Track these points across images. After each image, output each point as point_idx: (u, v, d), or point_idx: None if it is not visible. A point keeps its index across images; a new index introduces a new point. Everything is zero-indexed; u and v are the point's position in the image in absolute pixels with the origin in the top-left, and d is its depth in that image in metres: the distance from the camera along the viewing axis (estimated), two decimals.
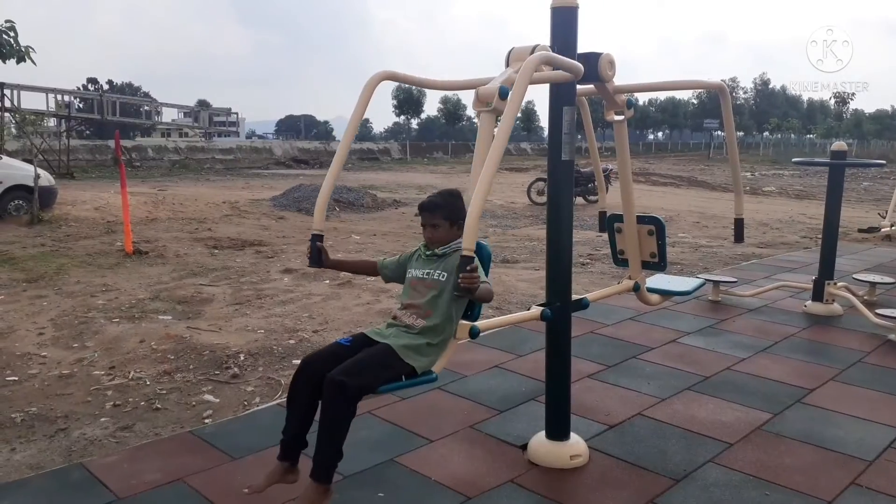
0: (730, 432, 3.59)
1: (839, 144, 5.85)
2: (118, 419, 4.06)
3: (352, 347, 2.65)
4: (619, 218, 3.68)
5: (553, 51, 2.82)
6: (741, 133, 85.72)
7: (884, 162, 7.63)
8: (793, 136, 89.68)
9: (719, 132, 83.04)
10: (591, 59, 3.03)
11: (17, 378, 4.74)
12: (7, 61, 13.41)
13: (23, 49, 13.64)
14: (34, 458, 3.55)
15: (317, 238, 2.82)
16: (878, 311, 5.43)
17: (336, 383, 2.41)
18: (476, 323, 2.80)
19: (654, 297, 3.84)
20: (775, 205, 18.90)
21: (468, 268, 2.26)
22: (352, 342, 2.70)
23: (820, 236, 11.59)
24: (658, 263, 3.64)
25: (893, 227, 10.45)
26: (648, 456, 3.33)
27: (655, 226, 3.59)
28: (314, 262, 2.83)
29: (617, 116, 3.36)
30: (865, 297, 6.26)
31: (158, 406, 4.27)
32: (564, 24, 2.94)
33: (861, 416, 3.81)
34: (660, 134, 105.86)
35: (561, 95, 3.03)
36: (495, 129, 2.71)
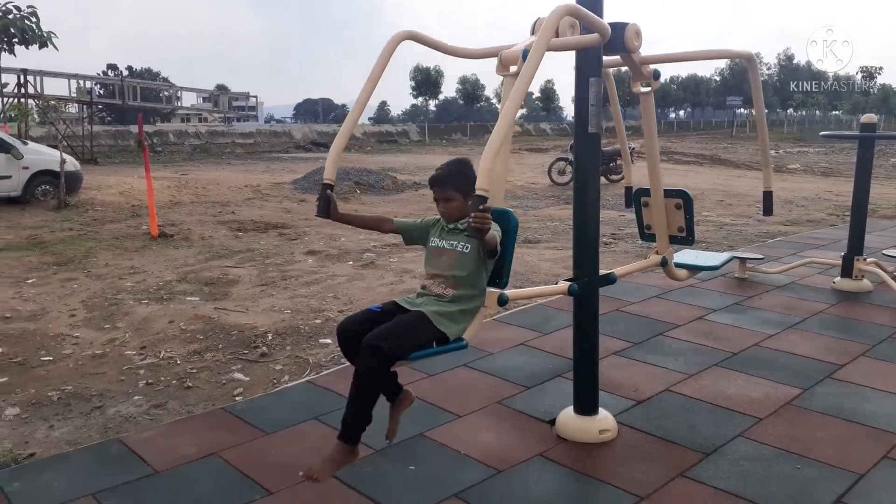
0: (759, 407, 3.58)
1: (869, 117, 5.74)
2: (151, 397, 4.14)
3: (382, 313, 2.67)
4: (645, 192, 3.65)
5: (578, 23, 2.79)
6: (766, 110, 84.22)
7: None
8: (818, 112, 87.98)
9: (742, 110, 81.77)
10: (618, 29, 2.99)
11: (51, 358, 4.84)
12: (30, 46, 13.57)
13: (45, 34, 13.79)
14: (72, 435, 3.63)
15: (327, 187, 2.74)
16: None
17: (371, 347, 2.43)
18: (504, 291, 2.79)
19: (682, 273, 3.82)
20: (801, 182, 18.62)
21: (481, 207, 2.19)
22: (381, 309, 2.72)
23: (847, 213, 11.44)
24: (686, 238, 3.61)
25: None
26: (677, 430, 3.33)
27: (683, 199, 3.55)
28: (322, 212, 2.75)
29: (643, 88, 3.33)
30: (894, 274, 6.17)
31: (190, 384, 4.34)
32: None
33: (893, 391, 3.77)
34: (682, 112, 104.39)
35: (587, 66, 3.00)
36: None
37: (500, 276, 2.73)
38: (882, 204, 12.65)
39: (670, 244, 3.66)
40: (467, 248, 2.71)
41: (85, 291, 6.60)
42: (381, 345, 2.44)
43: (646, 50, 3.24)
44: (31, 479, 2.99)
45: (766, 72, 79.33)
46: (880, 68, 72.45)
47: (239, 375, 4.50)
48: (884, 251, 6.61)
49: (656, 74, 3.31)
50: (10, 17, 12.54)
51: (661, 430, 3.33)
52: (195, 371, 4.58)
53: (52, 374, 4.55)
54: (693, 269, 3.89)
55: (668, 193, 3.59)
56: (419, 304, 2.69)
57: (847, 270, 5.87)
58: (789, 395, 3.73)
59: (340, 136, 2.82)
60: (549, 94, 69.47)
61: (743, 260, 6.29)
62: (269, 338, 5.19)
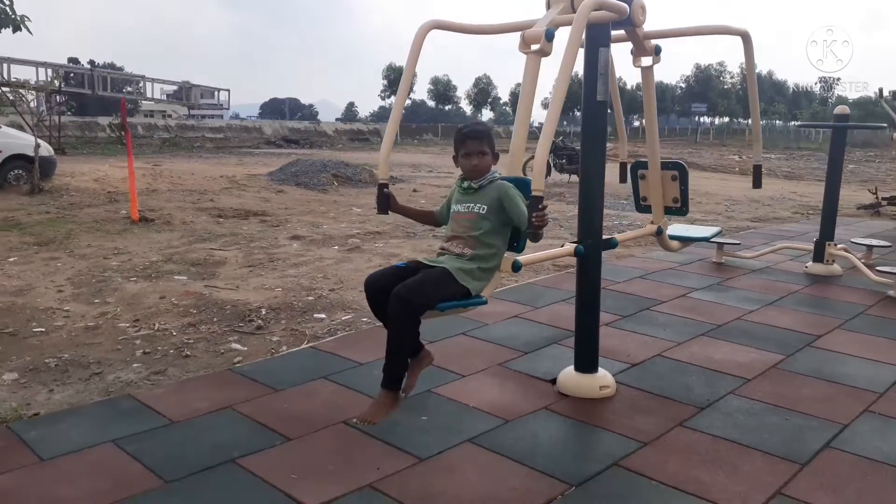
0: (746, 370, 3.78)
1: (842, 108, 6.03)
2: (150, 365, 4.17)
3: (407, 270, 2.80)
4: (643, 164, 3.83)
5: None
6: (727, 118, 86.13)
7: (885, 125, 7.83)
8: (778, 121, 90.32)
9: (705, 118, 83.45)
10: (626, 3, 3.15)
11: (43, 329, 4.83)
12: (3, 30, 13.28)
13: (18, 18, 13.51)
14: (73, 398, 3.65)
15: (383, 186, 3.02)
16: (878, 268, 5.64)
17: (401, 298, 2.56)
18: (518, 257, 2.94)
19: (675, 244, 4.00)
20: (766, 184, 19.07)
21: (540, 206, 2.42)
22: (406, 266, 2.85)
23: (811, 212, 11.87)
24: (680, 209, 3.79)
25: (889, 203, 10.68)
26: (672, 388, 3.51)
27: (678, 171, 3.74)
28: (382, 209, 3.04)
29: (645, 62, 3.49)
30: (863, 260, 6.47)
31: (188, 353, 4.38)
32: None
33: (868, 358, 4.01)
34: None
35: (596, 38, 3.16)
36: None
37: (517, 241, 2.90)
38: (844, 204, 13.13)
39: (665, 214, 3.84)
40: (483, 208, 2.86)
41: (70, 269, 6.55)
42: (410, 297, 2.58)
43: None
44: (48, 429, 3.03)
45: (730, 80, 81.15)
46: (838, 79, 74.79)
47: (236, 346, 4.55)
48: (852, 239, 6.94)
49: (657, 49, 3.48)
50: None
51: (656, 389, 3.50)
52: (192, 341, 4.61)
53: (45, 344, 4.54)
54: (685, 240, 4.08)
55: (665, 165, 3.77)
56: (442, 262, 2.83)
57: (819, 255, 6.15)
58: (773, 360, 3.94)
59: (387, 137, 3.08)
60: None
61: (720, 245, 6.54)
62: (263, 312, 5.23)
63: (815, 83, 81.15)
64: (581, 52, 3.26)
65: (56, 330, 4.81)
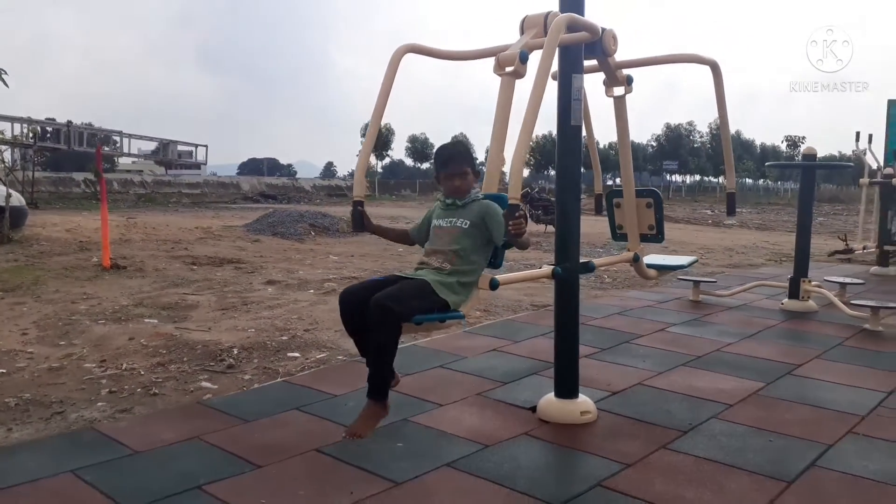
0: (728, 396, 3.73)
1: (809, 148, 6.18)
2: (115, 403, 4.01)
3: (384, 282, 2.75)
4: (617, 193, 3.85)
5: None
6: (698, 176, 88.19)
7: (851, 164, 8.04)
8: (748, 180, 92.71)
9: (676, 176, 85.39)
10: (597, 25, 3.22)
11: (4, 370, 4.64)
12: None
13: None
14: (32, 437, 3.47)
15: (358, 204, 2.99)
16: (853, 302, 5.69)
17: (381, 306, 2.51)
18: (496, 275, 2.91)
19: (652, 272, 4.00)
20: (738, 234, 19.47)
21: (516, 214, 2.42)
22: (384, 279, 2.80)
23: (784, 259, 12.04)
24: (656, 236, 3.80)
25: (865, 250, 10.86)
26: (654, 414, 3.44)
27: (653, 198, 3.76)
28: (357, 226, 3.00)
29: (617, 91, 3.55)
30: (837, 297, 6.53)
31: (156, 392, 4.22)
32: None
33: (848, 384, 3.99)
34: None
35: (570, 64, 3.21)
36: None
37: (495, 257, 2.88)
38: (816, 252, 13.35)
39: (641, 241, 3.84)
40: (466, 223, 2.85)
41: (36, 314, 6.36)
42: (390, 303, 2.52)
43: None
44: (4, 461, 2.88)
45: (700, 139, 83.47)
46: (803, 137, 77.33)
47: (206, 384, 4.40)
48: (826, 277, 7.02)
49: (629, 80, 3.55)
50: None
51: (638, 414, 3.43)
52: (160, 380, 4.46)
53: (6, 385, 4.36)
54: (662, 268, 4.09)
55: (640, 193, 3.79)
56: (421, 275, 2.78)
57: (794, 292, 6.20)
58: (755, 387, 3.90)
59: (362, 156, 3.08)
60: None
61: (697, 283, 6.57)
62: (235, 352, 5.10)
63: (782, 141, 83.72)
64: (555, 85, 3.32)
65: (18, 371, 4.63)
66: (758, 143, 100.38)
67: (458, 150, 3.01)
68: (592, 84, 3.60)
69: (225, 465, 2.80)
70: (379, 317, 2.54)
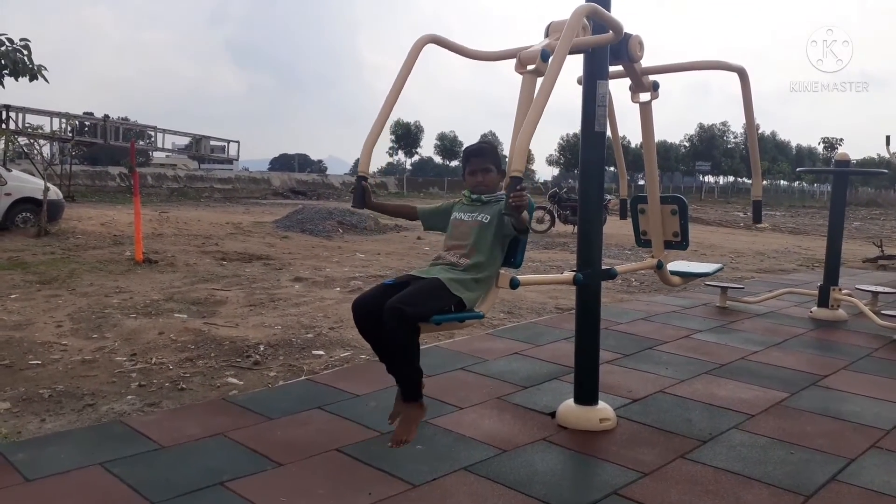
0: (750, 406, 3.70)
1: (842, 154, 6.08)
2: (144, 397, 4.11)
3: (396, 286, 2.77)
4: (642, 199, 3.84)
5: (589, 23, 3.01)
6: (731, 177, 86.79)
7: (885, 171, 7.88)
8: (783, 181, 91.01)
9: (710, 177, 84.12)
10: (623, 39, 3.22)
11: (40, 362, 4.79)
12: (20, 79, 13.63)
13: (35, 67, 13.89)
14: (65, 428, 3.59)
15: (361, 179, 2.96)
16: (884, 311, 5.58)
17: (394, 310, 2.53)
18: (516, 276, 2.92)
19: (676, 279, 3.98)
20: (771, 238, 19.17)
21: (518, 187, 2.37)
22: (395, 282, 2.82)
23: (816, 264, 11.83)
24: (680, 243, 3.78)
25: None
26: (674, 423, 3.43)
27: (678, 205, 3.74)
28: (357, 202, 2.95)
29: (643, 97, 3.54)
30: (868, 307, 6.41)
31: (183, 387, 4.32)
32: None
33: (874, 396, 3.93)
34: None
35: (595, 70, 3.21)
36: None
37: (514, 255, 2.88)
38: (849, 258, 13.10)
39: (665, 248, 3.82)
40: (486, 218, 2.86)
41: (70, 306, 6.54)
42: (403, 307, 2.54)
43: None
44: (36, 452, 2.97)
45: (734, 140, 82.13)
46: (840, 139, 75.67)
47: (233, 380, 4.49)
48: (857, 286, 6.89)
49: (655, 85, 3.53)
50: (3, 48, 12.63)
51: (658, 423, 3.43)
52: (188, 375, 4.56)
53: (41, 376, 4.50)
54: (686, 275, 4.06)
55: (665, 200, 3.78)
56: (433, 273, 2.80)
57: (823, 300, 6.10)
58: (777, 397, 3.86)
59: (372, 131, 3.02)
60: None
61: (724, 289, 6.50)
62: (262, 349, 5.19)
63: (818, 143, 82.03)
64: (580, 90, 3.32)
65: (52, 363, 4.77)
66: (794, 144, 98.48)
67: (482, 148, 3.03)
68: (618, 88, 3.60)
69: (247, 462, 2.86)
70: (394, 322, 2.56)
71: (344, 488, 2.64)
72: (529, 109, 2.45)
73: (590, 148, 3.27)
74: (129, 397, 4.10)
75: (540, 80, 2.55)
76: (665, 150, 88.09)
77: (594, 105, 3.21)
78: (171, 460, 2.88)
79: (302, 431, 3.24)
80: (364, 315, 2.75)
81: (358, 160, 3.04)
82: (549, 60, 2.53)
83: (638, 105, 3.64)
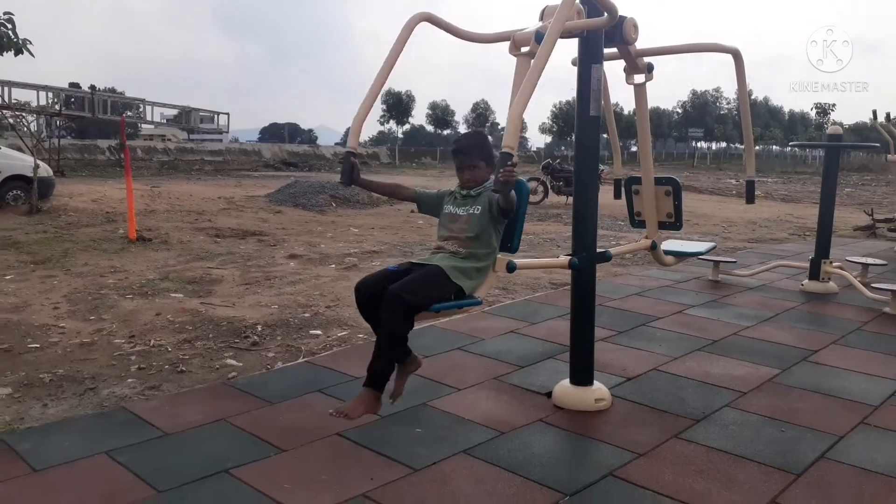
0: (742, 384, 3.78)
1: (834, 128, 6.10)
2: (145, 380, 4.15)
3: (400, 272, 2.81)
4: (636, 180, 3.86)
5: (584, 8, 3.00)
6: (724, 143, 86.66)
7: (878, 145, 7.91)
8: (774, 147, 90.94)
9: (702, 143, 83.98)
10: (617, 22, 3.21)
11: (39, 345, 4.81)
12: (5, 53, 13.40)
13: (20, 42, 13.65)
14: (67, 413, 3.63)
15: (350, 154, 2.92)
16: (873, 285, 5.66)
17: (395, 296, 2.57)
18: (513, 259, 2.96)
19: (669, 259, 4.02)
20: (763, 206, 19.24)
21: (508, 163, 2.36)
22: (399, 268, 2.86)
23: (808, 233, 11.91)
24: (674, 223, 3.82)
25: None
26: (668, 402, 3.50)
27: (672, 186, 3.77)
28: (346, 178, 2.92)
29: (637, 80, 3.54)
30: (859, 278, 6.49)
31: (183, 369, 4.36)
32: None
33: (864, 372, 4.01)
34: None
35: (590, 54, 3.20)
36: None
37: (511, 240, 2.91)
38: (840, 226, 13.19)
39: (660, 229, 3.86)
40: (478, 209, 2.88)
41: (66, 287, 6.54)
42: (404, 295, 2.58)
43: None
44: (41, 441, 3.02)
45: (727, 106, 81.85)
46: (833, 105, 75.49)
47: (231, 361, 4.54)
48: (847, 257, 6.96)
49: (650, 67, 3.53)
50: None
51: (652, 402, 3.50)
52: (187, 357, 4.60)
53: (40, 360, 4.53)
54: (680, 255, 4.10)
55: (658, 181, 3.80)
56: (435, 260, 2.83)
57: (815, 273, 6.17)
58: (769, 374, 3.94)
59: (362, 107, 2.97)
60: None
61: (716, 263, 6.57)
62: (259, 329, 5.23)
63: (811, 108, 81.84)
64: (575, 70, 3.32)
65: (51, 346, 4.80)
66: (786, 109, 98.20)
67: (469, 143, 3.02)
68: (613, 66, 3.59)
69: (250, 449, 2.92)
70: (391, 308, 2.60)
71: (346, 474, 2.70)
72: (521, 87, 2.45)
73: (585, 132, 3.28)
74: (130, 380, 4.14)
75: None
76: (658, 116, 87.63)
77: (589, 88, 3.21)
78: (175, 447, 2.93)
79: (303, 416, 3.29)
80: (366, 297, 2.79)
81: (349, 129, 3.00)
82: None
83: (633, 87, 3.63)
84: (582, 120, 3.26)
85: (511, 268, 2.86)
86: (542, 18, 3.03)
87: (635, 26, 3.29)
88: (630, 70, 3.53)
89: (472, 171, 2.97)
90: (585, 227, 3.35)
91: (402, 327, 2.66)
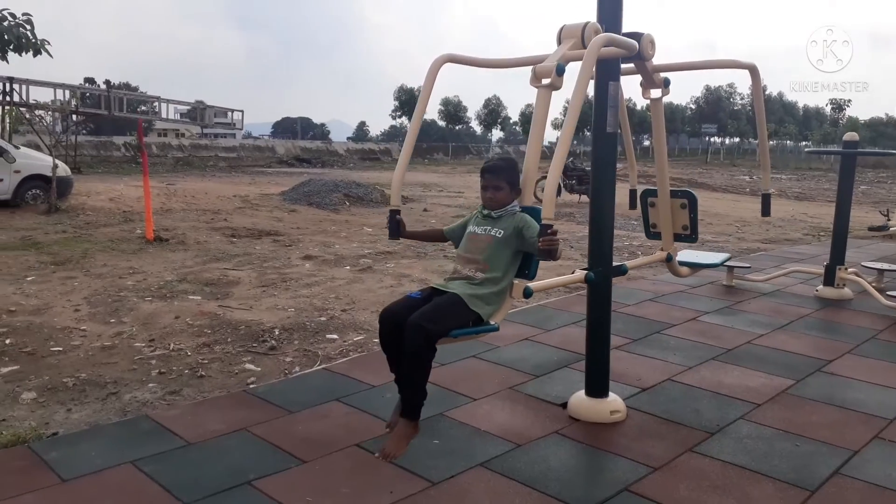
0: (756, 395, 3.80)
1: (851, 135, 6.08)
2: (165, 385, 4.23)
3: (421, 299, 2.86)
4: (652, 192, 3.88)
5: (602, 28, 3.03)
6: (737, 139, 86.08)
7: (895, 152, 7.86)
8: (789, 142, 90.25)
9: (716, 138, 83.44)
10: (635, 39, 3.23)
11: (61, 348, 4.91)
12: (24, 54, 13.57)
13: (39, 42, 13.81)
14: (91, 417, 3.72)
15: (395, 213, 3.15)
16: (889, 293, 5.65)
17: (416, 326, 2.63)
18: (529, 284, 3.00)
19: (684, 270, 4.05)
20: (776, 205, 19.01)
21: (549, 231, 2.53)
22: (421, 295, 2.91)
23: (822, 234, 11.86)
24: (690, 236, 3.84)
25: None
26: (682, 413, 3.54)
27: (688, 199, 3.79)
28: (393, 235, 3.17)
29: (654, 94, 3.56)
30: (874, 284, 6.48)
31: (202, 374, 4.44)
32: (612, 2, 3.15)
33: (878, 383, 4.02)
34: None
35: (607, 72, 3.23)
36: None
37: (528, 268, 2.95)
38: (856, 226, 13.10)
39: (675, 241, 3.89)
40: (500, 233, 2.92)
41: (86, 289, 6.65)
42: (425, 324, 2.65)
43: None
44: (68, 450, 3.09)
45: (740, 101, 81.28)
46: (849, 101, 74.82)
47: (250, 366, 4.61)
48: (863, 263, 6.94)
49: (666, 82, 3.55)
50: (5, 24, 12.54)
51: (667, 413, 3.53)
52: (206, 362, 4.67)
53: (63, 363, 4.62)
54: (695, 266, 4.13)
55: (674, 194, 3.82)
56: (453, 288, 2.89)
57: (829, 279, 6.17)
58: (783, 385, 3.96)
59: (400, 165, 3.18)
60: (529, 117, 70.34)
61: (731, 268, 6.57)
62: (277, 333, 5.30)
63: (826, 104, 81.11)
64: (591, 84, 3.35)
65: (73, 349, 4.89)
66: (801, 104, 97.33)
67: (497, 165, 3.07)
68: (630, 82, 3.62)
69: (272, 460, 2.98)
70: (413, 337, 2.66)
71: (366, 487, 2.76)
72: (556, 149, 2.55)
73: (602, 148, 3.31)
74: (151, 385, 4.22)
75: (555, 94, 2.61)
76: (671, 111, 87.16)
77: (606, 105, 3.24)
78: (198, 458, 3.00)
79: (322, 426, 3.35)
80: (390, 329, 2.83)
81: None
82: (557, 90, 2.61)
83: (649, 101, 3.66)
84: (598, 135, 3.29)
85: (528, 293, 2.92)
86: (559, 40, 3.06)
87: (652, 42, 3.30)
88: (646, 85, 3.55)
89: (494, 192, 3.01)
90: (602, 241, 3.38)
91: (424, 354, 2.72)
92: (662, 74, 3.52)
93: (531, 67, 2.94)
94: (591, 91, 3.30)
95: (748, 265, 7.05)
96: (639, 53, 3.28)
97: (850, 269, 6.18)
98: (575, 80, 2.66)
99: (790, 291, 6.46)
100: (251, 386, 4.11)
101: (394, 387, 2.94)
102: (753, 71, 3.49)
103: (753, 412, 3.56)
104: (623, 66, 3.41)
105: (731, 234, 12.20)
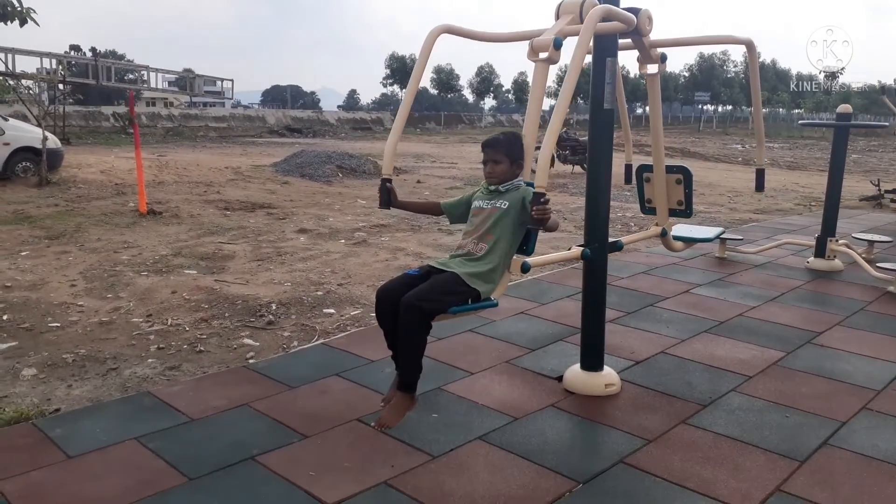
0: (748, 367, 3.88)
1: (844, 107, 6.10)
2: (165, 360, 4.27)
3: (420, 276, 2.88)
4: (648, 168, 3.91)
5: (600, 1, 3.02)
6: (730, 107, 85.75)
7: (887, 124, 7.91)
8: (781, 110, 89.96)
9: (709, 106, 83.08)
10: (633, 14, 3.22)
11: (59, 324, 4.93)
12: (10, 23, 13.31)
13: (24, 10, 13.54)
14: (92, 393, 3.76)
15: (386, 181, 3.12)
16: (878, 264, 5.73)
17: (411, 305, 2.66)
18: (527, 259, 3.02)
19: (679, 244, 4.09)
20: (769, 175, 18.99)
21: (541, 200, 2.52)
22: (420, 272, 2.93)
23: (813, 204, 11.93)
24: (685, 211, 3.88)
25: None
26: (675, 386, 3.61)
27: (683, 175, 3.82)
28: (384, 204, 3.14)
29: (651, 70, 3.57)
30: (864, 255, 6.56)
31: (201, 349, 4.48)
32: None
33: (867, 355, 4.11)
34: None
35: (604, 48, 3.23)
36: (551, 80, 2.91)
37: (526, 244, 2.97)
38: (847, 195, 13.18)
39: (670, 216, 3.92)
40: (505, 205, 2.93)
41: (81, 264, 6.65)
42: (420, 304, 2.67)
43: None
44: (73, 426, 3.14)
45: (734, 69, 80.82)
46: (842, 69, 74.44)
47: (248, 341, 4.65)
48: (853, 234, 7.02)
49: (663, 58, 3.55)
50: None
51: (660, 386, 3.60)
52: (205, 337, 4.71)
53: (62, 339, 4.64)
54: (689, 240, 4.17)
55: (670, 169, 3.85)
56: (452, 266, 2.90)
57: (820, 251, 6.24)
58: (774, 357, 4.04)
59: (393, 133, 3.14)
60: (523, 86, 69.77)
61: (723, 240, 6.63)
62: (274, 307, 5.33)
63: (819, 72, 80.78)
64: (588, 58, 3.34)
65: (71, 325, 4.91)
66: (794, 72, 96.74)
67: (496, 139, 3.05)
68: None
69: (274, 435, 3.04)
70: (408, 316, 2.69)
71: (368, 461, 2.82)
72: (550, 120, 2.54)
73: (598, 123, 3.33)
74: (150, 360, 4.26)
75: (552, 67, 2.61)
76: (664, 79, 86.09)
77: (604, 81, 3.24)
78: (201, 433, 3.05)
79: (322, 401, 3.41)
80: (387, 307, 2.85)
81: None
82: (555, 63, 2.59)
83: (645, 75, 3.66)
84: (595, 114, 3.30)
85: (525, 269, 2.93)
86: (557, 15, 3.05)
87: (650, 18, 3.30)
88: (643, 60, 3.55)
89: (493, 166, 3.00)
90: (598, 218, 3.41)
91: (418, 332, 2.75)
92: (659, 50, 3.52)
93: (528, 42, 2.94)
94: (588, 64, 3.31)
95: (740, 237, 7.12)
96: (636, 28, 3.28)
97: (840, 241, 6.25)
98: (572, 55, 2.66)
99: (782, 263, 6.54)
100: (250, 361, 4.15)
101: (392, 362, 2.98)
102: (750, 46, 3.49)
103: (745, 384, 3.64)
104: (620, 41, 3.41)
105: (723, 204, 12.26)
